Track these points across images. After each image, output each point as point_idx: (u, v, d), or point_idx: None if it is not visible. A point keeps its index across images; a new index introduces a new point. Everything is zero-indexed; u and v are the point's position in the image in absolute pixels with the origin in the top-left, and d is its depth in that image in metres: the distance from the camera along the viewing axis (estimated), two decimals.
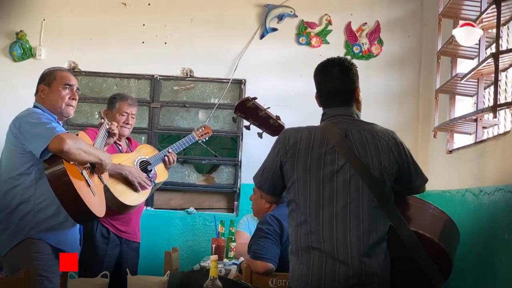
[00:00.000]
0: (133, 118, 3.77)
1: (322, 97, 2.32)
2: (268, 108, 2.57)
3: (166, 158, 3.84)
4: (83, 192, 2.73)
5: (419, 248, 2.15)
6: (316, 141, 2.17)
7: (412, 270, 2.19)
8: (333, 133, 2.17)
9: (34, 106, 2.93)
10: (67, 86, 2.94)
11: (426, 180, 2.34)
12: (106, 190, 3.25)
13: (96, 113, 3.58)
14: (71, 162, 2.75)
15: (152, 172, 3.75)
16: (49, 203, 2.77)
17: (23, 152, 2.77)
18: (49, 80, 2.94)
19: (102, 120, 3.27)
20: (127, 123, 3.73)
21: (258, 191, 3.22)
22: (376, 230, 2.11)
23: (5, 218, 2.77)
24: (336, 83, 2.27)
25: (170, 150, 3.88)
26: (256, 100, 2.53)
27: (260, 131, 2.58)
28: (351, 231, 2.09)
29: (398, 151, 2.21)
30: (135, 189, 3.60)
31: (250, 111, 2.48)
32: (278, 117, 2.55)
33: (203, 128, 4.18)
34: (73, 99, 2.96)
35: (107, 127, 3.23)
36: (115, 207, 3.49)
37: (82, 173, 2.82)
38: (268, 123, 2.52)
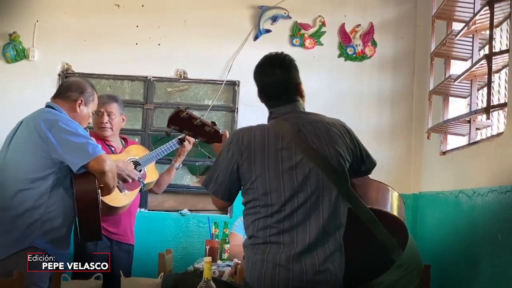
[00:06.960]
0: (110, 115, 3.62)
1: (267, 98, 2.28)
2: (189, 110, 2.56)
3: (186, 142, 3.71)
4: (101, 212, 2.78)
5: (377, 225, 2.19)
6: (270, 138, 2.16)
7: (371, 248, 2.24)
8: (286, 129, 2.16)
9: (50, 107, 2.85)
10: (93, 113, 3.08)
11: (375, 163, 2.36)
12: None
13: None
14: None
15: (141, 173, 3.68)
16: (57, 214, 2.72)
17: (47, 157, 2.68)
18: (88, 97, 2.95)
19: None
20: (102, 122, 3.59)
21: None
22: (335, 219, 2.13)
23: (10, 221, 2.68)
24: (279, 83, 2.24)
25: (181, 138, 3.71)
26: (189, 110, 2.51)
27: (197, 140, 2.56)
28: (310, 221, 2.11)
29: (350, 138, 2.24)
30: (124, 180, 3.44)
31: (184, 121, 2.43)
32: (214, 123, 2.53)
33: None
34: (88, 123, 3.06)
35: None
36: (102, 209, 3.45)
37: (97, 192, 2.79)
38: (203, 130, 2.48)
